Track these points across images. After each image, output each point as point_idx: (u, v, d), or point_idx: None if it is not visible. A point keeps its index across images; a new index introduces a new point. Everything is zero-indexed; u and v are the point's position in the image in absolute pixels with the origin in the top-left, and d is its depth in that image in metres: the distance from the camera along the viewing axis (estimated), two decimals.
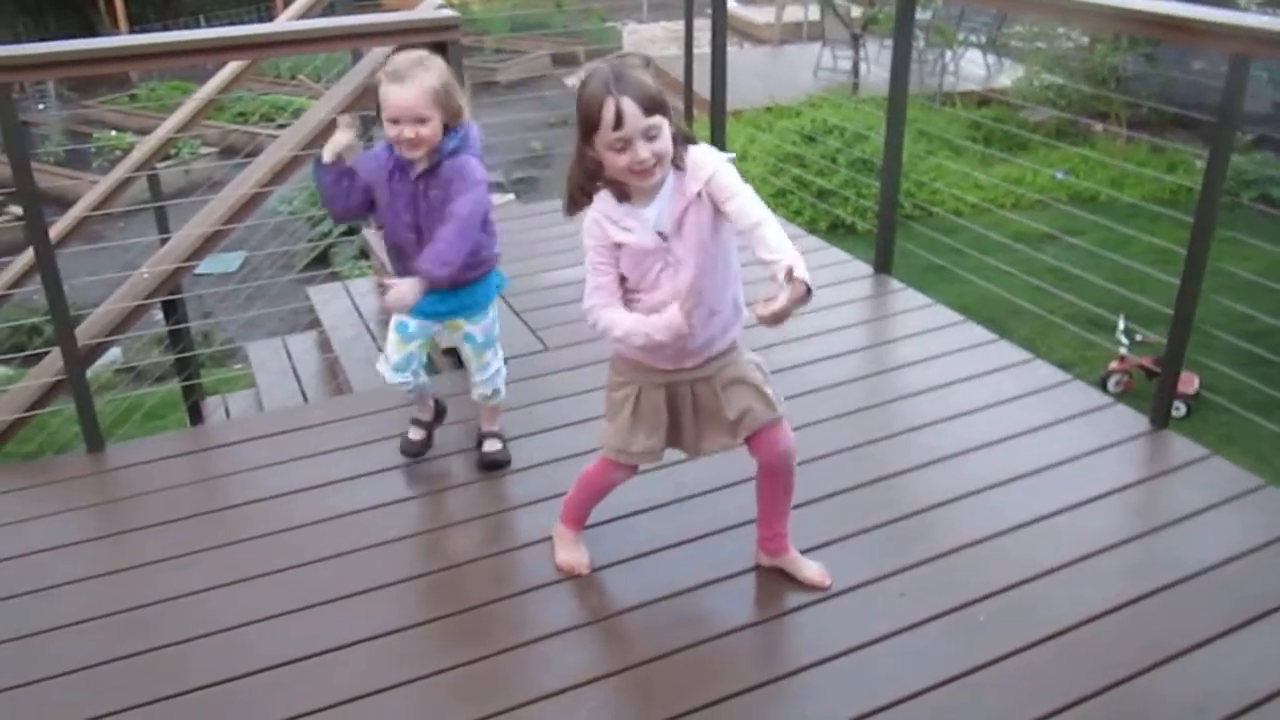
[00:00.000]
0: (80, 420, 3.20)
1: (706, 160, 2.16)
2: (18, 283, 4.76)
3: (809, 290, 1.98)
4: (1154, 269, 3.89)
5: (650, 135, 2.08)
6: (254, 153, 4.09)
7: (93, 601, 2.56)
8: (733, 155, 2.23)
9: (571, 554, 2.60)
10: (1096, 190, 8.07)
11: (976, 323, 3.85)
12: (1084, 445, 3.06)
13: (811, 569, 2.54)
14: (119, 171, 4.90)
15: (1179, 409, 5.26)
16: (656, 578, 2.57)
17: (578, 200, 2.24)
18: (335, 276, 6.87)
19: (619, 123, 2.05)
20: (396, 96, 2.56)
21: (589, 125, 2.09)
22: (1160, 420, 3.16)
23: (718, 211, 2.17)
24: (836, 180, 8.02)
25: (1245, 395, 3.89)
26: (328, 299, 4.99)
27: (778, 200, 7.90)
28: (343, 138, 2.68)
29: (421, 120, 2.58)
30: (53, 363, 3.34)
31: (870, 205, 7.38)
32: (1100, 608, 2.43)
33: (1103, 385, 5.50)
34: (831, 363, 3.57)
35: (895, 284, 4.18)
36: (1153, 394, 3.23)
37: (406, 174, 2.71)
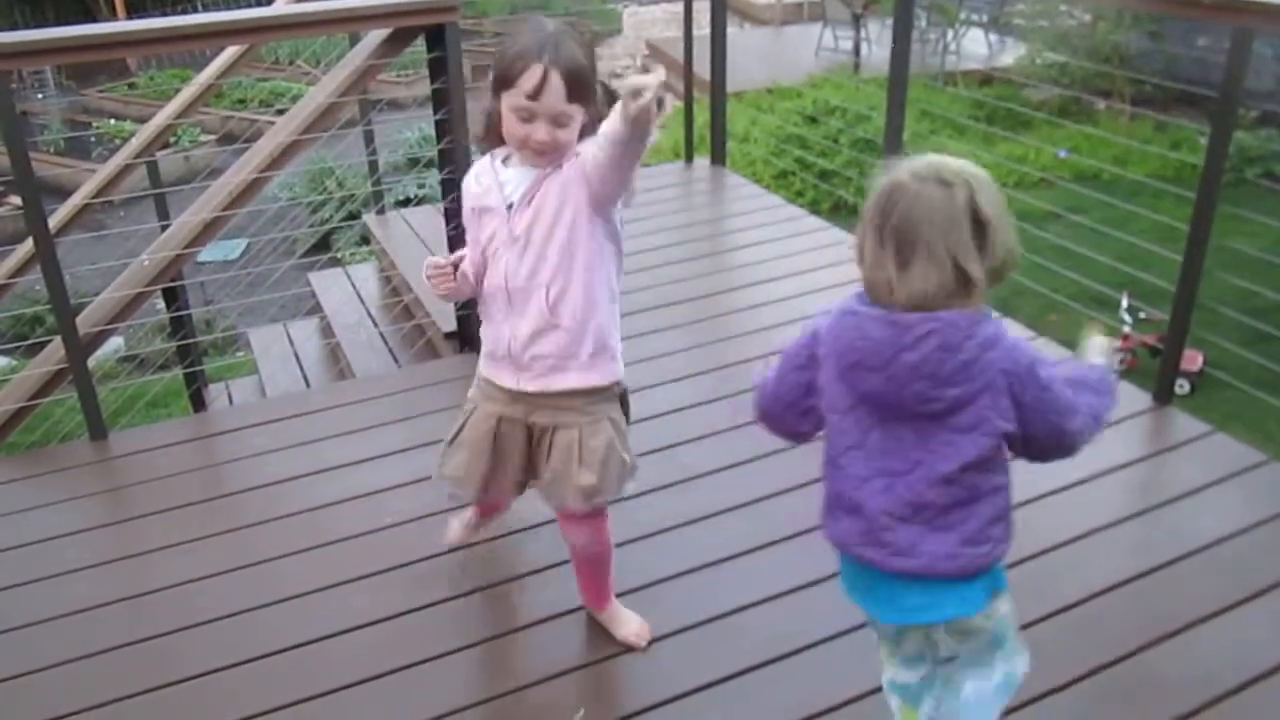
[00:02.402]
0: (83, 408, 3.20)
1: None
2: (18, 272, 4.76)
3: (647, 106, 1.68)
4: (1158, 246, 3.87)
5: (560, 122, 1.90)
6: (253, 138, 4.07)
7: (98, 589, 2.57)
8: None
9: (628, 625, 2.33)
10: (1100, 168, 8.03)
11: None
12: None
13: (628, 627, 2.32)
14: (119, 159, 4.89)
15: (1183, 386, 5.24)
16: (662, 558, 2.57)
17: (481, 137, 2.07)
18: (336, 262, 6.86)
19: (537, 93, 1.86)
20: None
21: (505, 80, 1.88)
22: (1164, 397, 3.15)
23: (592, 208, 1.95)
24: (839, 161, 7.98)
25: (1250, 372, 3.88)
26: (329, 285, 4.99)
27: (780, 181, 7.86)
28: None
29: None
30: (54, 351, 3.34)
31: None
32: (1105, 583, 2.43)
33: None
34: None
35: None
36: (1156, 371, 3.22)
37: None
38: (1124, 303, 5.62)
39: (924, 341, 1.51)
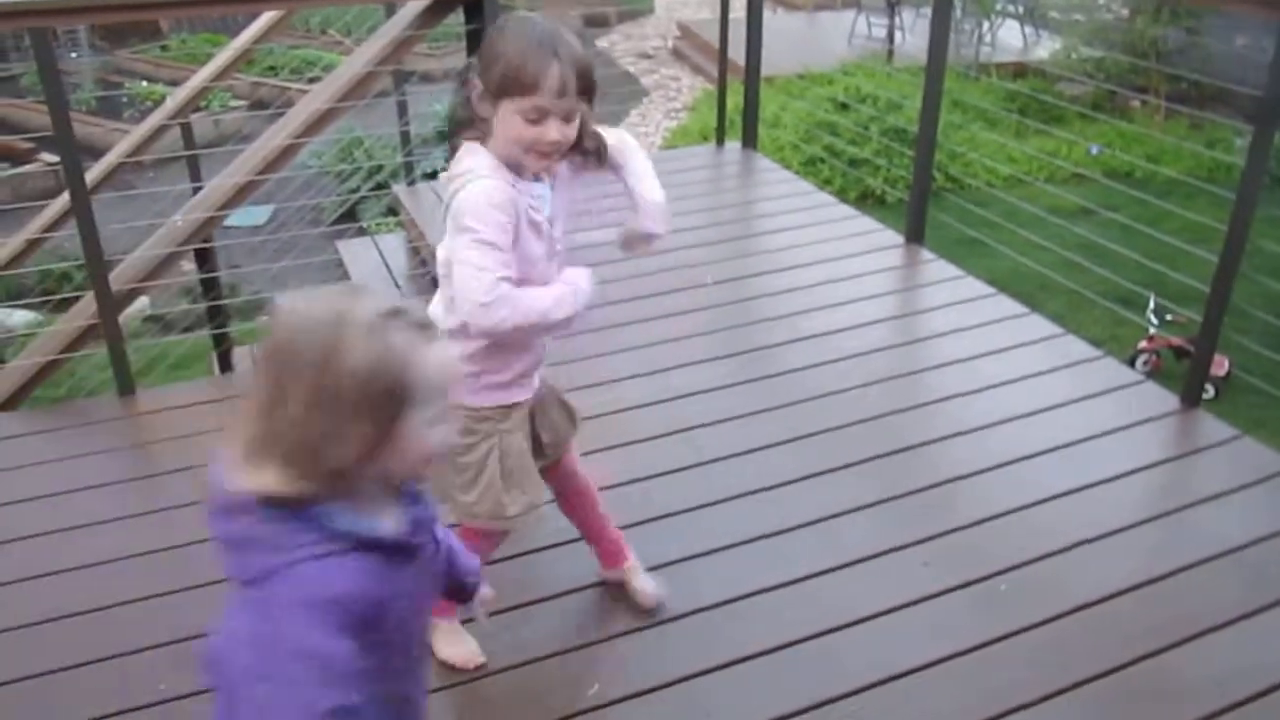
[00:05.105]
0: (113, 363, 3.23)
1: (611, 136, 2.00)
2: (50, 228, 4.80)
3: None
4: (1189, 246, 3.84)
5: (570, 118, 1.83)
6: (283, 106, 4.09)
7: (124, 540, 2.60)
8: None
9: (457, 647, 2.24)
10: (1133, 165, 7.95)
11: (1007, 296, 3.82)
12: (1113, 422, 3.04)
13: (646, 589, 2.36)
14: (154, 120, 4.92)
15: (1208, 391, 5.20)
16: (678, 540, 2.57)
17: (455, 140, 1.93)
18: (362, 232, 6.88)
19: (563, 92, 1.77)
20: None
21: (517, 83, 1.76)
22: (1191, 399, 3.12)
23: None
24: (869, 149, 7.93)
25: (1278, 377, 3.85)
26: (358, 254, 5.02)
27: (808, 168, 7.82)
28: None
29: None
30: (86, 307, 3.37)
31: (902, 175, 7.30)
32: (1124, 583, 2.42)
33: (1131, 364, 5.45)
34: (861, 331, 3.56)
35: (927, 254, 4.15)
36: (1184, 374, 3.20)
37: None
38: (1151, 304, 5.58)
39: None
